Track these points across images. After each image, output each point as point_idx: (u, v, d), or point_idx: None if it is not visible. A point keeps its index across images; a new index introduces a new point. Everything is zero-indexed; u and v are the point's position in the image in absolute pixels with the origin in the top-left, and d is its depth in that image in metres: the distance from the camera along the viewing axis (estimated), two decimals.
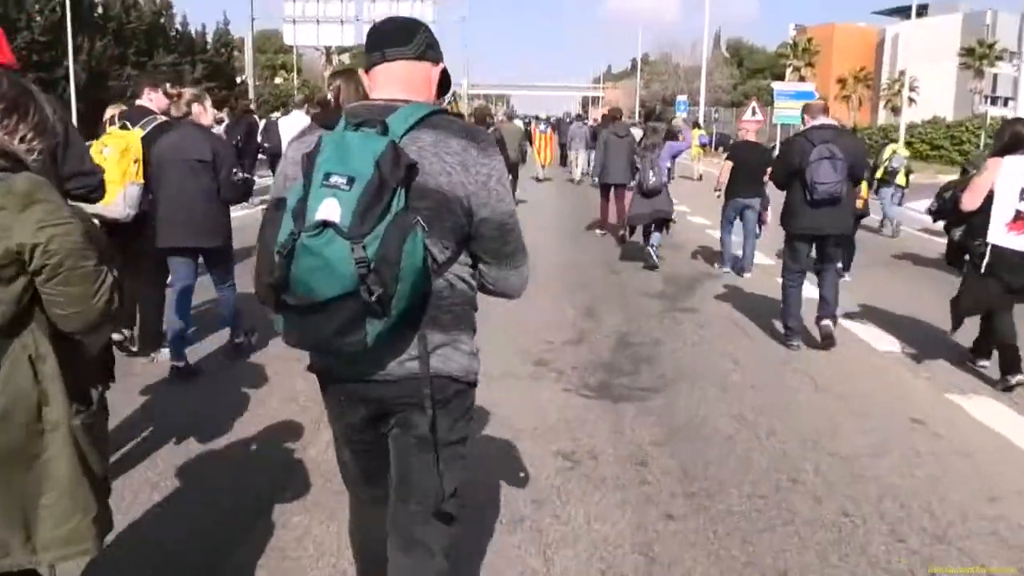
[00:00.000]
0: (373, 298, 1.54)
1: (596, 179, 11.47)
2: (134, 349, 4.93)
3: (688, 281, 8.13)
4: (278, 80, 51.38)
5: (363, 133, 1.64)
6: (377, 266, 1.53)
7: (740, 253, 8.70)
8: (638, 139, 9.96)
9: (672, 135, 15.09)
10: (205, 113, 4.70)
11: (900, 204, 12.03)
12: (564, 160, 23.20)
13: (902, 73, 49.36)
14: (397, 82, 1.79)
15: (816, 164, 5.23)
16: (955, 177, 8.40)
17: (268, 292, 1.64)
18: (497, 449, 3.69)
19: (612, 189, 11.01)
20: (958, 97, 51.98)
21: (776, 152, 9.73)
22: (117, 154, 4.35)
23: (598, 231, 11.30)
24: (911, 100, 46.45)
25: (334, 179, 1.58)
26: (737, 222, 8.66)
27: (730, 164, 8.60)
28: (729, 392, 4.63)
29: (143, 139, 4.54)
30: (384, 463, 1.87)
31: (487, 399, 4.36)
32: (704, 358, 5.34)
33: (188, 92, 4.73)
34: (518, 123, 18.81)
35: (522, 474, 3.42)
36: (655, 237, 8.73)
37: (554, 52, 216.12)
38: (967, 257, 5.03)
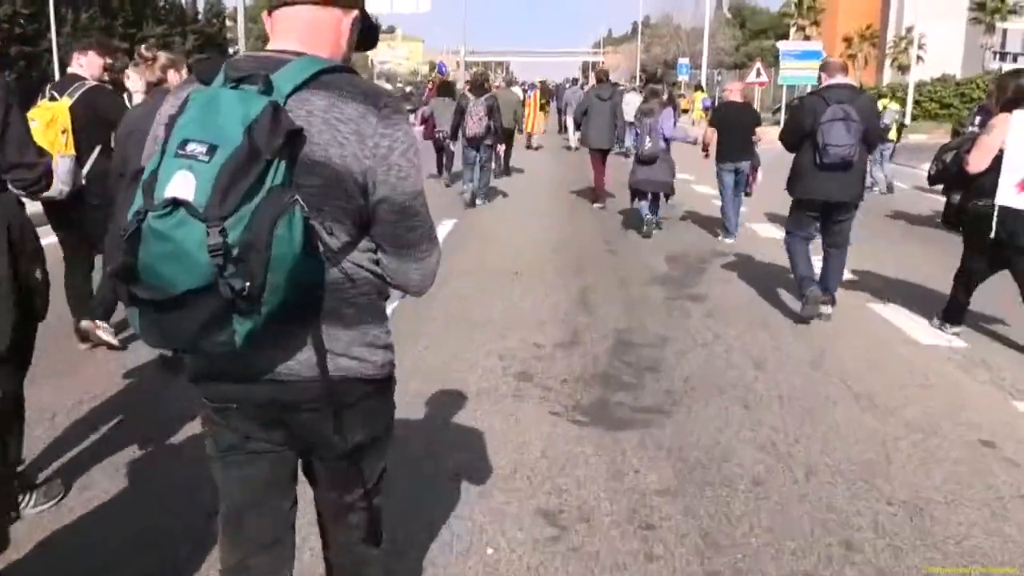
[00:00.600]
0: (234, 293, 1.29)
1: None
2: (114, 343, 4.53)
3: (694, 260, 7.28)
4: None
5: (242, 92, 1.37)
6: (241, 254, 1.28)
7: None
8: (637, 104, 9.63)
9: (672, 100, 14.18)
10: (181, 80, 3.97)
11: (891, 160, 11.91)
12: (564, 127, 22.29)
13: (909, 30, 47.98)
14: (297, 30, 1.52)
15: (828, 125, 4.91)
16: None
17: (115, 282, 1.40)
18: (455, 504, 2.88)
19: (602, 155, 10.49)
20: (966, 54, 50.56)
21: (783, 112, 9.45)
22: (43, 126, 4.00)
23: (595, 205, 10.58)
24: (919, 58, 45.23)
25: (191, 147, 1.31)
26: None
27: (714, 130, 8.39)
28: (752, 410, 3.79)
29: (71, 107, 4.22)
30: (276, 492, 1.63)
31: (458, 428, 3.58)
32: (719, 362, 4.50)
33: (163, 56, 4.16)
34: (516, 90, 17.94)
35: (490, 551, 2.61)
36: (647, 207, 8.44)
37: (554, 18, 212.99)
38: (966, 219, 4.76)
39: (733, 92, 8.98)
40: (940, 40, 48.24)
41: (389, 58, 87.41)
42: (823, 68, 5.45)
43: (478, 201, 10.64)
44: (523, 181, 13.90)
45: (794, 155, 5.28)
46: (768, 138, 8.72)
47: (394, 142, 1.46)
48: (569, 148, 18.85)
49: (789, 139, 5.34)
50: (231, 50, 38.10)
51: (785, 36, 67.31)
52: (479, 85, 11.09)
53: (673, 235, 8.60)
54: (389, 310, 1.65)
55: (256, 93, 1.36)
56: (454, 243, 7.96)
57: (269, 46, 1.53)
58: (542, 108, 22.73)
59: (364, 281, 1.53)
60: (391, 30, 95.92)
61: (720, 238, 8.46)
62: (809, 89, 10.13)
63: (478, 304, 5.66)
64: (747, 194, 8.50)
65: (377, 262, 1.57)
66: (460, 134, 10.76)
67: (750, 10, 80.00)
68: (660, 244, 8.10)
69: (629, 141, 12.67)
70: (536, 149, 19.08)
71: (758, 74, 25.49)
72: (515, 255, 7.37)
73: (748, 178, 8.30)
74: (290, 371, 1.49)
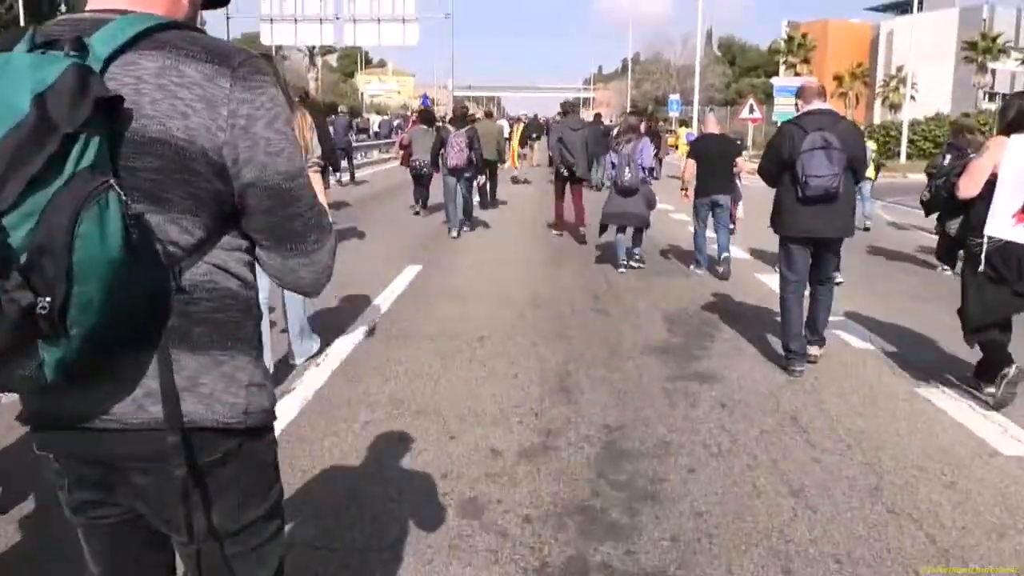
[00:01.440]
0: (25, 313, 0.99)
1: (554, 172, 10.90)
2: None
3: (696, 320, 6.13)
4: None
5: (39, 56, 1.06)
6: (31, 261, 0.98)
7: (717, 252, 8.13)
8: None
9: (655, 134, 13.92)
10: None
11: (870, 197, 11.92)
12: (552, 159, 21.77)
13: (899, 69, 47.90)
14: None
15: (808, 155, 4.55)
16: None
17: None
18: None
19: (568, 185, 10.40)
20: (956, 93, 50.63)
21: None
22: None
23: (555, 232, 10.60)
24: (911, 98, 44.95)
25: None
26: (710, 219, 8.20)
27: (693, 162, 8.15)
28: (797, 574, 2.62)
29: None
30: (149, 560, 1.33)
31: None
32: (742, 485, 3.30)
33: None
34: (501, 122, 17.42)
35: None
36: (628, 244, 8.22)
37: (545, 55, 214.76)
38: (962, 253, 4.40)
39: (710, 124, 8.75)
40: (930, 80, 48.18)
41: (380, 91, 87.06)
42: (799, 95, 4.97)
43: (465, 229, 10.75)
44: (506, 218, 12.88)
45: (775, 190, 4.89)
46: (750, 169, 8.60)
47: (256, 109, 1.16)
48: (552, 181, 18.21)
49: (768, 172, 4.95)
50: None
51: (775, 73, 67.43)
52: (460, 116, 10.98)
53: (671, 287, 7.47)
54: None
55: (60, 57, 1.06)
56: (414, 295, 6.80)
57: (89, 5, 1.23)
58: (525, 143, 22.19)
59: (224, 293, 1.20)
60: (382, 64, 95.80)
61: (691, 268, 8.26)
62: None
63: (426, 384, 4.47)
64: (731, 231, 8.18)
65: (250, 264, 1.26)
66: (441, 164, 10.66)
67: (739, 47, 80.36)
68: (656, 297, 6.96)
69: (600, 174, 13.04)
70: (524, 183, 18.45)
71: (751, 110, 24.69)
72: (485, 313, 6.20)
73: (731, 211, 7.99)
74: (117, 416, 1.16)
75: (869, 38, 61.15)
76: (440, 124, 11.92)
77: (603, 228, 8.33)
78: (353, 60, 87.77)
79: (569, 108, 11.53)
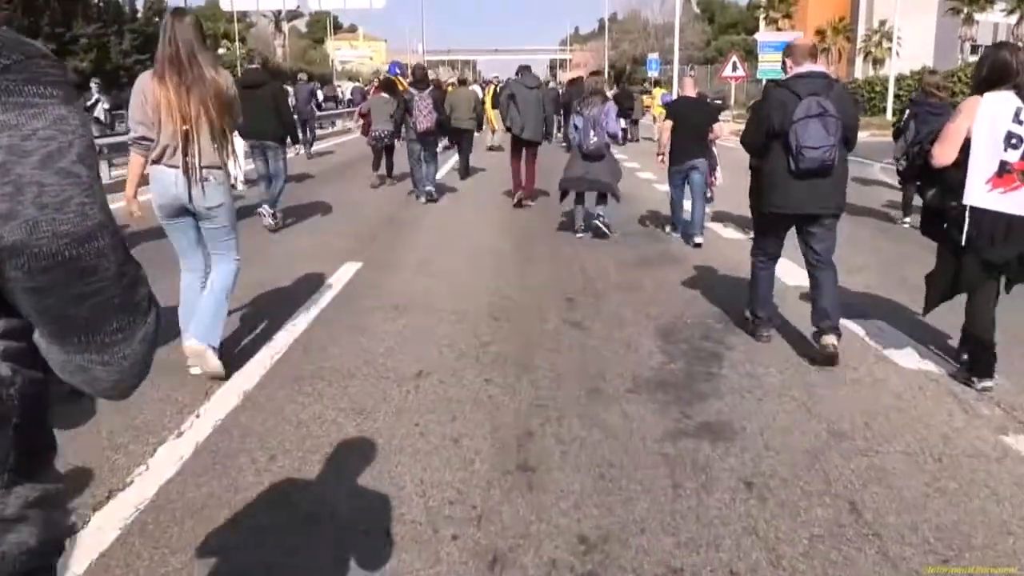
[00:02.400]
0: None
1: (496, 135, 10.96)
2: None
3: (696, 331, 4.85)
4: (221, 51, 46.87)
5: None
6: None
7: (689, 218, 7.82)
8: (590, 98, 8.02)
9: (628, 95, 13.72)
10: None
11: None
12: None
13: (882, 23, 46.46)
14: None
15: (803, 123, 4.09)
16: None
17: None
18: None
19: (524, 148, 9.86)
20: (938, 47, 49.29)
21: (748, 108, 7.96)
22: None
23: (526, 202, 9.93)
24: (892, 51, 43.67)
25: None
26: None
27: (670, 123, 7.84)
28: None
29: None
30: None
31: None
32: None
33: None
34: (474, 88, 16.52)
35: None
36: (599, 208, 7.73)
37: (520, 16, 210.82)
38: (944, 225, 3.92)
39: (687, 86, 8.35)
40: (912, 33, 46.78)
41: (351, 57, 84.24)
42: (788, 53, 4.43)
43: (430, 198, 10.39)
44: (471, 190, 11.55)
45: (759, 161, 4.44)
46: (733, 130, 8.38)
47: (24, 138, 0.80)
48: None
49: (753, 141, 4.44)
50: None
51: (755, 31, 65.77)
52: (421, 79, 10.34)
53: (660, 281, 6.18)
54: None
55: None
56: (341, 309, 5.43)
57: None
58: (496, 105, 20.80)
59: None
60: (353, 29, 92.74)
61: (667, 230, 8.11)
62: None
63: (327, 468, 3.14)
64: (708, 199, 7.89)
65: (19, 355, 0.87)
66: (406, 129, 10.23)
67: (719, 4, 78.44)
68: (644, 298, 5.68)
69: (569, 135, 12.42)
70: (499, 149, 16.81)
71: (734, 68, 23.31)
72: (427, 335, 4.83)
73: (707, 179, 7.74)
74: None
75: None
76: (404, 88, 11.19)
77: (564, 194, 7.93)
78: (323, 26, 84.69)
79: (524, 68, 10.43)
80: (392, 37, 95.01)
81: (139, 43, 31.84)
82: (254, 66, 9.30)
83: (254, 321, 5.04)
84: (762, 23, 56.68)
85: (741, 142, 4.60)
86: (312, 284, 6.05)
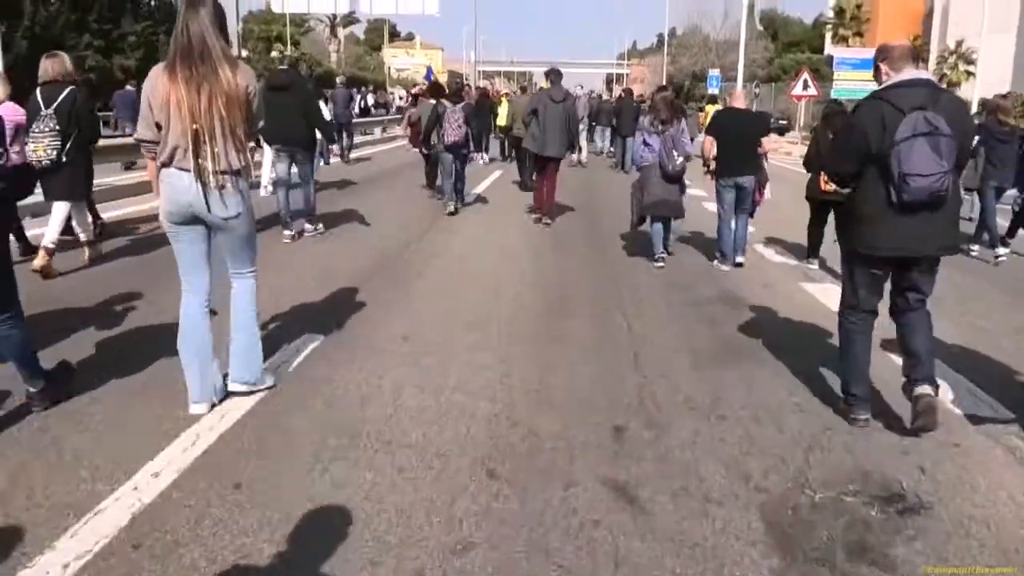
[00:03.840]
0: None
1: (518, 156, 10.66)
2: None
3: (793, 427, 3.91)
4: (273, 54, 47.16)
5: None
6: None
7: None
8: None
9: (680, 111, 12.76)
10: None
11: None
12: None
13: (959, 44, 44.41)
14: None
15: (908, 144, 3.26)
16: None
17: None
18: None
19: (546, 164, 9.44)
20: (1017, 69, 46.91)
21: (826, 126, 7.35)
22: None
23: (534, 219, 9.55)
24: (968, 74, 41.65)
25: None
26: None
27: (711, 139, 7.30)
28: None
29: None
30: None
31: None
32: None
33: None
34: None
35: None
36: (668, 231, 7.44)
37: (578, 29, 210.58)
38: None
39: (737, 98, 7.86)
40: (990, 55, 44.62)
41: (407, 65, 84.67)
42: (883, 56, 3.59)
43: (459, 205, 10.34)
44: (501, 207, 10.70)
45: (850, 191, 3.65)
46: (778, 148, 7.78)
47: None
48: (579, 163, 16.87)
49: (841, 168, 3.71)
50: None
51: (819, 50, 63.93)
52: (455, 91, 10.53)
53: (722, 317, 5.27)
54: None
55: None
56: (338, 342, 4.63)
57: None
58: None
59: None
60: (410, 37, 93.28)
61: (715, 264, 7.42)
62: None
63: None
64: (750, 215, 7.48)
65: None
66: (437, 140, 10.12)
67: (782, 22, 76.44)
68: (710, 337, 4.79)
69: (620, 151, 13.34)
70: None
71: (805, 86, 22.08)
72: (435, 414, 3.95)
73: (754, 197, 7.32)
74: None
75: (922, 12, 57.46)
76: (436, 101, 10.85)
77: (642, 220, 7.47)
78: (381, 34, 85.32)
79: (555, 77, 9.63)
80: (449, 46, 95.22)
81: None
82: (283, 67, 8.78)
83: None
84: (828, 41, 54.89)
85: (825, 167, 4.07)
86: (328, 306, 5.38)
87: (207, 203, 3.30)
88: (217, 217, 3.36)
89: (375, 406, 3.69)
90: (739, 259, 7.32)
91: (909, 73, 3.45)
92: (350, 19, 56.90)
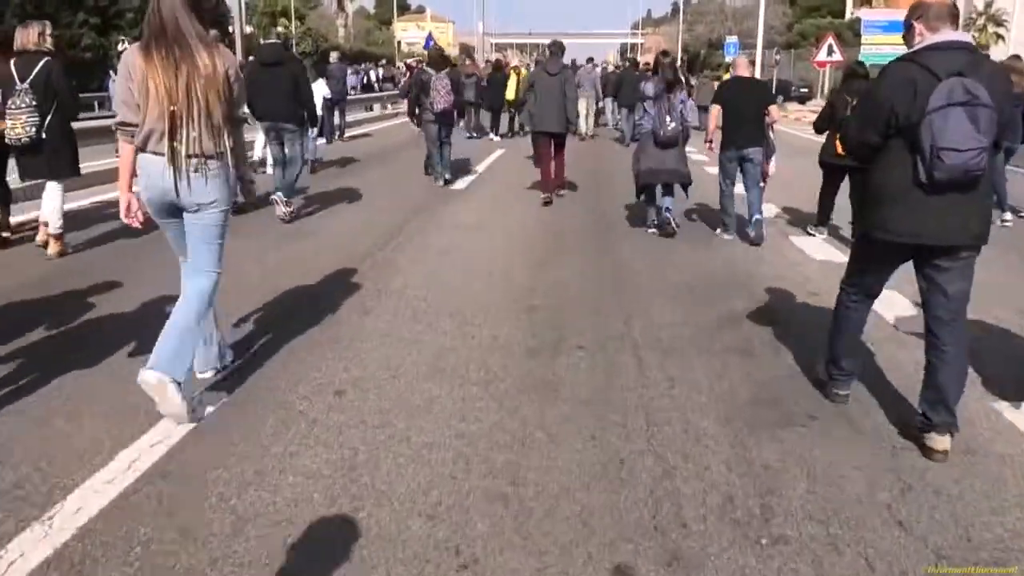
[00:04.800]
0: None
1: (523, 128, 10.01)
2: None
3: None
4: (279, 29, 46.11)
5: None
6: None
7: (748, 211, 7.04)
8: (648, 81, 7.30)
9: (681, 81, 12.04)
10: None
11: None
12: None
13: (988, 5, 42.61)
14: None
15: (942, 114, 2.85)
16: None
17: None
18: None
19: (552, 141, 8.96)
20: None
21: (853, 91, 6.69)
22: None
23: (542, 197, 8.90)
24: (998, 36, 40.05)
25: None
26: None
27: (718, 108, 7.04)
28: None
29: None
30: None
31: None
32: None
33: None
34: None
35: None
36: (667, 200, 7.24)
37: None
38: None
39: (741, 67, 7.45)
40: (1022, 15, 42.80)
41: (418, 38, 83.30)
42: (917, 14, 3.10)
43: (446, 176, 10.29)
44: (503, 192, 9.86)
45: (873, 165, 3.16)
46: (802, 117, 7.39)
47: None
48: (580, 136, 15.64)
49: (862, 138, 3.18)
50: (230, 28, 34.43)
51: (840, 14, 61.93)
52: (438, 59, 10.26)
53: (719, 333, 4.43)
54: None
55: None
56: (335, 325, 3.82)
57: None
58: None
59: None
60: (421, 10, 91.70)
61: (718, 232, 7.26)
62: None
63: None
64: (761, 188, 7.09)
65: None
66: (422, 110, 9.98)
67: None
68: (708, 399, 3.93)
69: (625, 124, 12.71)
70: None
71: (830, 51, 20.88)
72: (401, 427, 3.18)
73: (763, 167, 7.01)
74: None
75: None
76: (420, 67, 10.94)
77: (642, 188, 7.26)
78: (390, 7, 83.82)
79: (556, 48, 9.16)
80: (460, 19, 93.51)
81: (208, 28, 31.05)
82: (272, 41, 8.29)
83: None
84: (850, 4, 53.01)
85: (842, 139, 3.42)
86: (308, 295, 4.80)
87: (176, 188, 3.18)
88: (188, 202, 3.24)
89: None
90: (752, 234, 6.94)
91: (947, 34, 3.02)
92: None
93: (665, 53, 7.85)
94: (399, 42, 71.59)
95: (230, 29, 34.67)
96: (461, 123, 13.11)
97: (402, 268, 5.86)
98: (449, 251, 6.53)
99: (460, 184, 10.39)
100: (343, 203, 8.77)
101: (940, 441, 3.02)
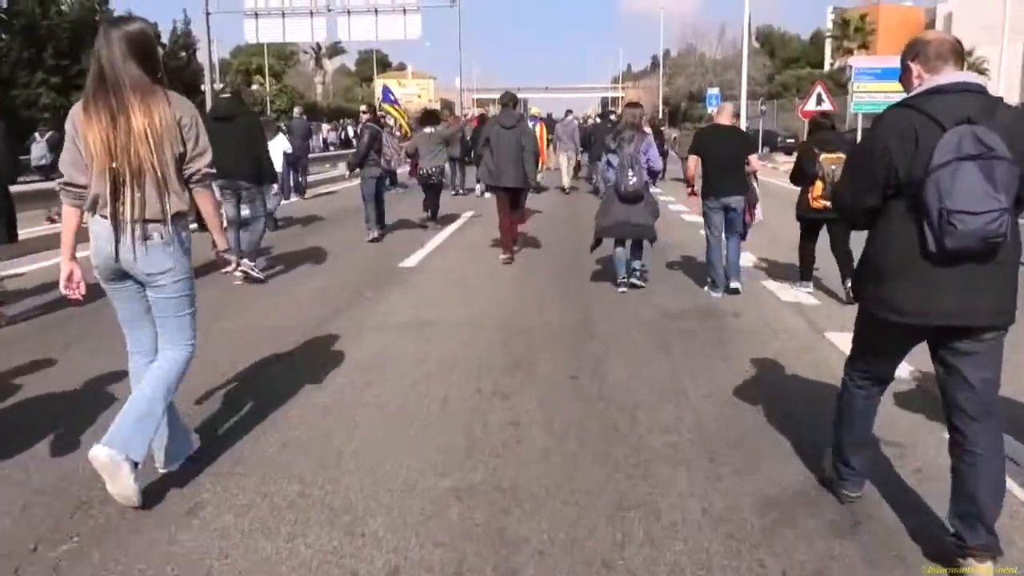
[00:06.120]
0: None
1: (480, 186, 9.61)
2: None
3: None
4: (254, 87, 45.45)
5: None
6: None
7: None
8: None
9: (656, 131, 10.95)
10: None
11: None
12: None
13: (968, 53, 42.84)
14: None
15: (949, 171, 2.44)
16: None
17: None
18: None
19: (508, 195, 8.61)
20: None
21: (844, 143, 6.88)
22: None
23: (502, 257, 8.57)
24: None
25: None
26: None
27: (695, 158, 6.98)
28: None
29: None
30: None
31: None
32: None
33: None
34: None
35: None
36: (636, 261, 6.99)
37: (572, 55, 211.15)
38: None
39: (724, 113, 7.34)
40: (998, 64, 43.07)
41: (399, 95, 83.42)
42: (914, 53, 2.70)
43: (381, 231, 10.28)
44: (470, 249, 8.75)
45: (872, 229, 2.75)
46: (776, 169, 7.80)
47: None
48: (563, 189, 16.65)
49: (854, 201, 2.76)
50: (203, 86, 33.55)
51: (819, 65, 62.55)
52: (374, 119, 10.91)
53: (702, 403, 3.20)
54: None
55: None
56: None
57: None
58: (548, 142, 18.43)
59: None
60: (402, 67, 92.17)
61: (706, 291, 6.93)
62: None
63: None
64: (742, 237, 7.05)
65: None
66: (380, 164, 10.35)
67: (779, 39, 75.13)
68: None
69: (597, 176, 12.38)
70: (544, 189, 16.60)
71: (819, 100, 20.06)
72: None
73: (744, 217, 6.90)
74: None
75: (922, 23, 56.35)
76: (368, 124, 10.84)
77: (597, 242, 7.14)
78: (371, 65, 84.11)
79: (508, 100, 8.95)
80: (442, 75, 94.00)
81: (161, 79, 30.09)
82: (226, 95, 8.12)
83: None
84: (829, 55, 53.31)
85: (833, 199, 3.15)
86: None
87: (116, 253, 2.89)
88: (138, 272, 2.96)
89: None
90: (734, 284, 6.85)
91: (951, 75, 2.61)
92: (336, 50, 55.44)
93: (633, 105, 7.61)
94: (378, 98, 71.26)
95: (202, 87, 33.98)
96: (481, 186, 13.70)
97: (301, 403, 4.27)
98: (375, 366, 4.78)
99: (414, 258, 8.95)
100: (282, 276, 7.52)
101: (982, 570, 2.52)
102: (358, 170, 10.16)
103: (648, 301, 6.57)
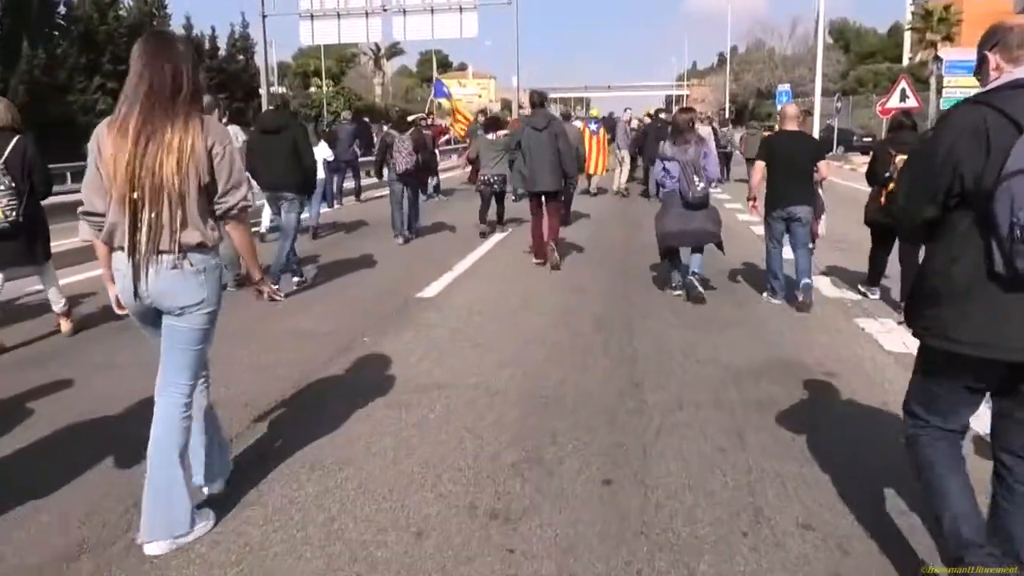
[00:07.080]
0: None
1: (515, 191, 8.56)
2: None
3: None
4: (311, 89, 45.33)
5: None
6: None
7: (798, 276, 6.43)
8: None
9: (713, 131, 11.22)
10: None
11: None
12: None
13: None
14: None
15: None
16: None
17: None
18: None
19: (544, 199, 8.25)
20: None
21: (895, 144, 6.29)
22: None
23: (535, 260, 8.39)
24: None
25: None
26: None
27: (761, 165, 6.61)
28: None
29: None
30: None
31: None
32: None
33: None
34: (576, 124, 14.54)
35: None
36: (696, 261, 6.73)
37: (635, 53, 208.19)
38: None
39: (788, 117, 6.70)
40: None
41: (460, 95, 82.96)
42: (993, 42, 2.30)
43: (407, 234, 10.25)
44: (509, 274, 7.72)
45: (930, 244, 2.39)
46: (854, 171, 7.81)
47: None
48: (619, 193, 16.15)
49: (914, 210, 2.36)
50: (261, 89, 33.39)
51: (897, 59, 59.35)
52: (401, 120, 11.29)
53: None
54: None
55: None
56: None
57: None
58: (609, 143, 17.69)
59: None
60: (463, 67, 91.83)
61: (765, 296, 6.66)
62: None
63: None
64: (811, 250, 6.54)
65: None
66: (388, 170, 10.31)
67: (854, 33, 71.79)
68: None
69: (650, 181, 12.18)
70: (595, 195, 16.01)
71: (903, 96, 18.36)
72: None
73: (813, 227, 6.46)
74: None
75: (1013, 13, 52.74)
76: (387, 130, 11.19)
77: (667, 252, 6.82)
78: (431, 66, 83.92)
79: (537, 99, 8.48)
80: (503, 75, 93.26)
81: (218, 83, 30.02)
82: (272, 107, 8.33)
83: None
84: (907, 48, 50.38)
85: (896, 210, 2.47)
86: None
87: (136, 290, 2.66)
88: (162, 305, 2.73)
89: None
90: (801, 298, 6.35)
91: None
92: (395, 51, 55.16)
93: (687, 110, 7.44)
94: (439, 100, 70.84)
95: (260, 91, 33.84)
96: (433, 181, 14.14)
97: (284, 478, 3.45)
98: (331, 467, 3.47)
99: (436, 285, 7.50)
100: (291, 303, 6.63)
101: None
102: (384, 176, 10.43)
103: (711, 347, 5.31)
